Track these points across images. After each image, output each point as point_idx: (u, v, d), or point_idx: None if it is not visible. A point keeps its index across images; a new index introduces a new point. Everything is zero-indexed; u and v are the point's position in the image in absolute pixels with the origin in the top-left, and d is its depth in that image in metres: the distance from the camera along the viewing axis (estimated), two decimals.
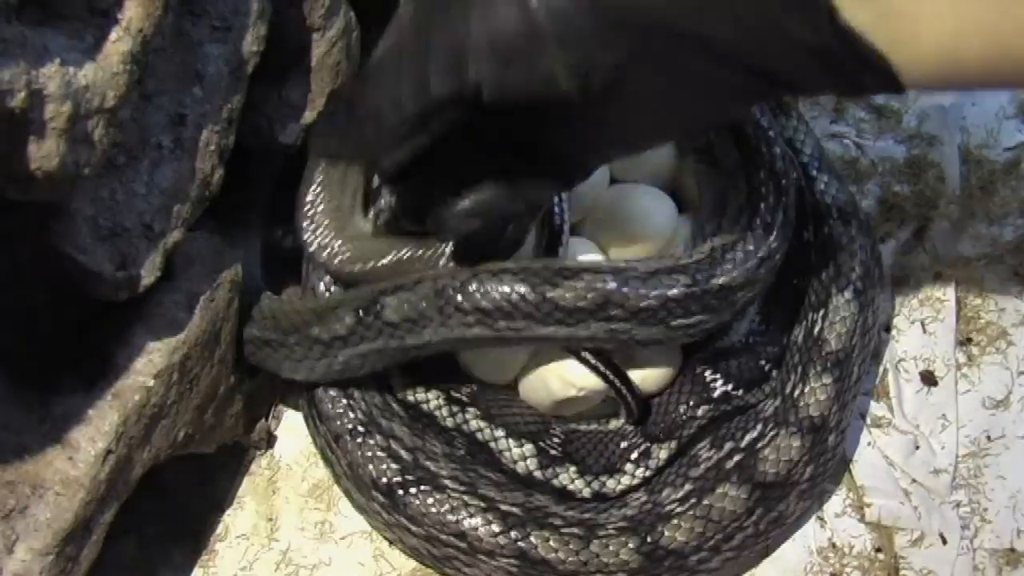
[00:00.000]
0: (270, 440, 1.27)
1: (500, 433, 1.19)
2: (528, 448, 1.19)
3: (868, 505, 1.23)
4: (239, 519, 1.24)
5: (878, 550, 1.22)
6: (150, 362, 1.03)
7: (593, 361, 1.17)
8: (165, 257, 1.00)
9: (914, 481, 1.24)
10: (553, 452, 1.19)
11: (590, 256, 1.22)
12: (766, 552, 1.21)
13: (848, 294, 1.20)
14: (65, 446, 0.99)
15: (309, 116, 1.17)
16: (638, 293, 1.08)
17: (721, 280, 1.11)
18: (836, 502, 1.24)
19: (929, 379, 1.30)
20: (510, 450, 1.19)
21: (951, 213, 1.38)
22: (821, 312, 1.20)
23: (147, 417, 1.03)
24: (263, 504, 1.24)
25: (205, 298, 1.07)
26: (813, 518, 1.23)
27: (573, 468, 1.19)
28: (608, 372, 1.17)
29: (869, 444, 1.26)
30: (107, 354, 1.02)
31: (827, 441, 1.16)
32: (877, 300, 1.24)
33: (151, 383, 1.03)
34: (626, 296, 1.08)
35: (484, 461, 1.20)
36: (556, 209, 1.21)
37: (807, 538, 1.22)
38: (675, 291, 1.09)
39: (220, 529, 1.23)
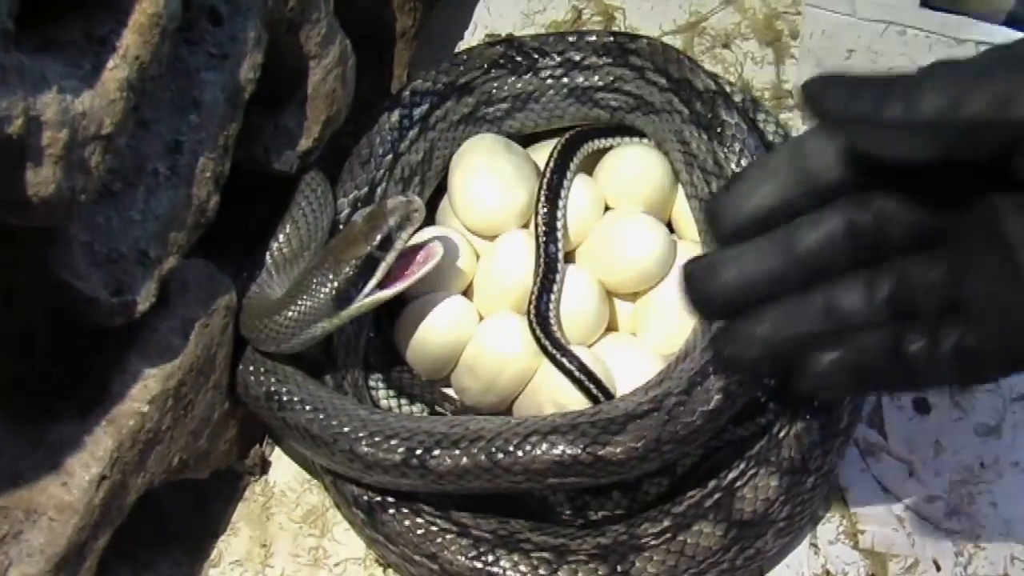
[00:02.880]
0: (264, 466, 1.28)
1: None
2: None
3: (862, 532, 1.24)
4: (233, 545, 1.24)
5: None
6: (145, 388, 1.03)
7: (579, 375, 1.18)
8: (160, 283, 1.01)
9: (908, 508, 1.25)
10: None
11: (585, 286, 1.23)
12: None
13: None
14: (59, 472, 0.99)
15: (304, 144, 1.18)
16: (685, 423, 1.09)
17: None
18: (830, 529, 1.25)
19: (922, 406, 1.30)
20: None
21: None
22: None
23: (141, 442, 1.03)
24: (257, 530, 1.24)
25: (200, 324, 1.07)
26: (806, 543, 1.24)
27: None
28: (593, 388, 1.18)
29: (862, 471, 1.27)
30: (102, 380, 1.03)
31: (805, 483, 1.17)
32: None
33: (146, 409, 1.03)
34: (675, 432, 1.09)
35: None
36: (551, 240, 1.22)
37: (800, 564, 1.23)
38: (717, 399, 1.10)
39: (214, 555, 1.24)
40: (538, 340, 1.20)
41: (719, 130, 1.21)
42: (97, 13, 0.86)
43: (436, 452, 1.09)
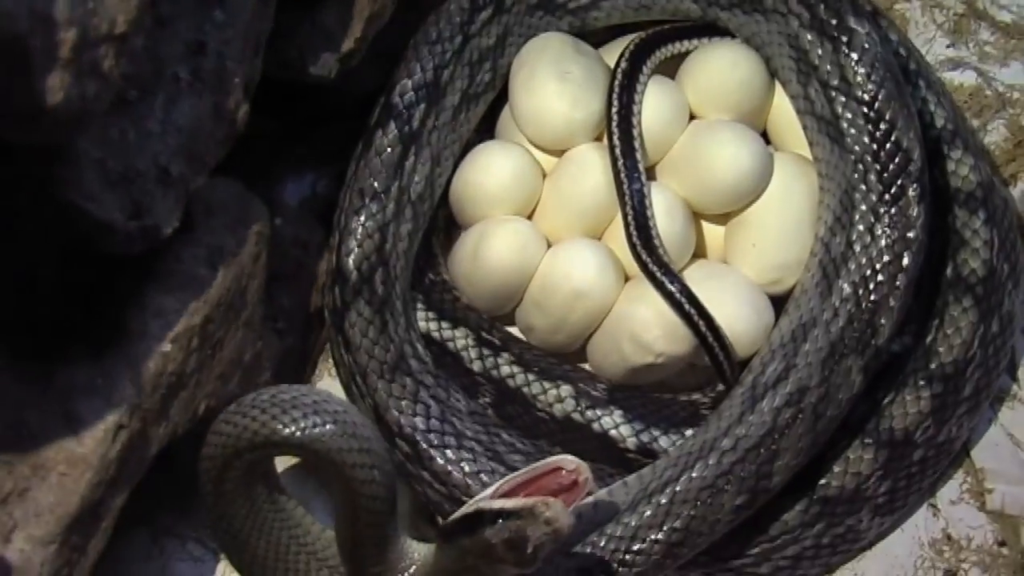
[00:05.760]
0: None
1: (533, 377, 1.22)
2: (565, 389, 1.21)
3: (989, 491, 1.23)
4: None
5: (1002, 543, 1.21)
6: (167, 325, 1.03)
7: (690, 310, 1.17)
8: (184, 205, 1.01)
9: None
10: (595, 394, 1.21)
11: (669, 207, 1.22)
12: (829, 567, 1.21)
13: (967, 301, 1.21)
14: (70, 421, 0.99)
15: (346, 45, 1.18)
16: (832, 416, 1.13)
17: (882, 340, 1.14)
18: (952, 487, 1.24)
19: None
20: (544, 393, 1.21)
21: None
22: (935, 321, 1.21)
23: (164, 387, 1.04)
24: (292, 488, 1.24)
25: (229, 253, 1.08)
26: (925, 506, 1.23)
27: (619, 412, 1.21)
28: (706, 331, 1.17)
29: (991, 421, 1.26)
30: (118, 317, 1.03)
31: (911, 456, 1.17)
32: (1009, 302, 1.23)
33: (168, 349, 1.03)
34: (827, 429, 1.14)
35: (510, 415, 1.23)
36: (629, 152, 1.22)
37: (917, 529, 1.23)
38: (859, 380, 1.13)
39: None
40: (644, 265, 1.19)
41: (846, 39, 1.19)
42: None
43: None
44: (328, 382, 1.30)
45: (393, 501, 1.06)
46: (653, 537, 1.10)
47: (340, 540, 1.09)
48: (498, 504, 0.99)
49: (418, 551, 1.08)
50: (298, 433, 1.01)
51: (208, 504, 1.09)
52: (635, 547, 1.10)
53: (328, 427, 1.02)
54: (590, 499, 1.11)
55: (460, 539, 1.01)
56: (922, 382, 1.18)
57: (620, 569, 1.11)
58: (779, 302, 1.22)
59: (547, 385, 1.22)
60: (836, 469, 1.16)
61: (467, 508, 1.01)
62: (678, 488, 1.11)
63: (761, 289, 1.22)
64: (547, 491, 0.99)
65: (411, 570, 1.08)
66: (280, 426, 1.01)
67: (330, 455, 1.02)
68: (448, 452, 1.17)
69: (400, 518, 1.12)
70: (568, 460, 1.00)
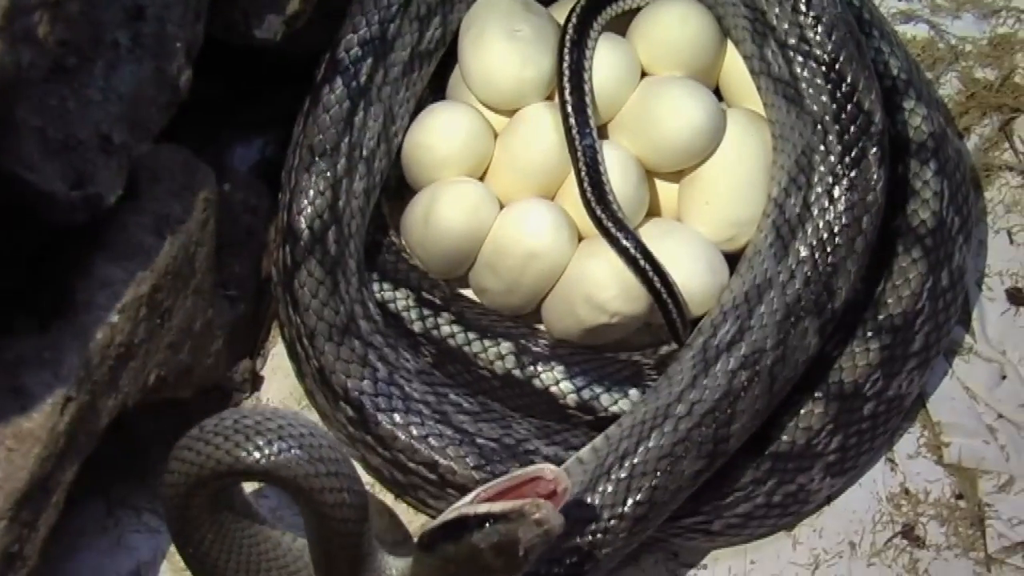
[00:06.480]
0: (255, 381, 1.27)
1: (474, 335, 1.22)
2: (506, 346, 1.21)
3: (946, 445, 1.23)
4: None
5: (959, 496, 1.22)
6: (114, 295, 1.02)
7: (645, 265, 1.17)
8: (128, 173, 0.99)
9: (1000, 416, 1.24)
10: (537, 350, 1.21)
11: (621, 165, 1.21)
12: (779, 527, 1.22)
13: (916, 252, 1.20)
14: (18, 394, 0.98)
15: (292, 6, 1.16)
16: (787, 378, 1.14)
17: (838, 302, 1.14)
18: (909, 441, 1.24)
19: (1017, 298, 1.29)
20: (485, 351, 1.21)
21: None
22: (885, 272, 1.20)
23: (112, 358, 1.03)
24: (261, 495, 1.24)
25: (176, 220, 1.07)
26: (882, 460, 1.23)
27: (560, 368, 1.20)
28: (660, 287, 1.17)
29: (947, 374, 1.26)
30: (64, 288, 1.02)
31: (860, 410, 1.17)
32: (958, 255, 1.23)
33: (116, 319, 1.02)
34: (782, 390, 1.14)
35: (451, 374, 1.23)
36: (581, 109, 1.21)
37: (875, 483, 1.23)
38: (815, 342, 1.13)
39: None
40: (598, 221, 1.18)
41: None
42: None
43: None
44: (282, 348, 1.28)
45: (365, 520, 1.04)
46: (618, 513, 1.10)
47: (314, 562, 1.08)
48: (484, 508, 0.97)
49: (395, 566, 1.07)
50: (263, 461, 0.99)
51: (173, 530, 1.07)
52: (601, 526, 1.10)
53: (294, 452, 0.99)
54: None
55: (443, 547, 0.99)
56: (870, 334, 1.18)
57: (590, 551, 1.10)
58: (732, 260, 1.21)
59: (487, 343, 1.22)
60: (787, 424, 1.16)
61: (447, 515, 0.99)
62: (636, 460, 1.10)
63: (716, 247, 1.22)
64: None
65: None
66: (244, 454, 0.99)
67: (297, 481, 1.00)
68: (395, 416, 1.17)
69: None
70: (547, 469, 0.98)
